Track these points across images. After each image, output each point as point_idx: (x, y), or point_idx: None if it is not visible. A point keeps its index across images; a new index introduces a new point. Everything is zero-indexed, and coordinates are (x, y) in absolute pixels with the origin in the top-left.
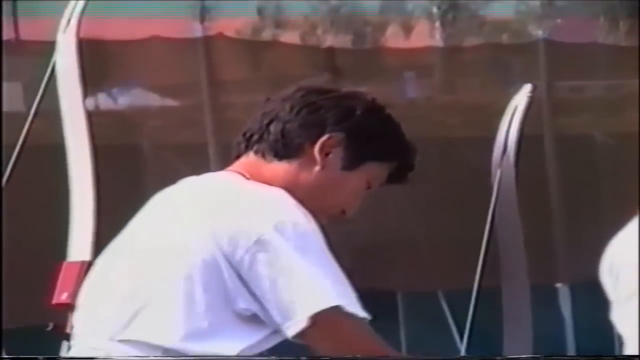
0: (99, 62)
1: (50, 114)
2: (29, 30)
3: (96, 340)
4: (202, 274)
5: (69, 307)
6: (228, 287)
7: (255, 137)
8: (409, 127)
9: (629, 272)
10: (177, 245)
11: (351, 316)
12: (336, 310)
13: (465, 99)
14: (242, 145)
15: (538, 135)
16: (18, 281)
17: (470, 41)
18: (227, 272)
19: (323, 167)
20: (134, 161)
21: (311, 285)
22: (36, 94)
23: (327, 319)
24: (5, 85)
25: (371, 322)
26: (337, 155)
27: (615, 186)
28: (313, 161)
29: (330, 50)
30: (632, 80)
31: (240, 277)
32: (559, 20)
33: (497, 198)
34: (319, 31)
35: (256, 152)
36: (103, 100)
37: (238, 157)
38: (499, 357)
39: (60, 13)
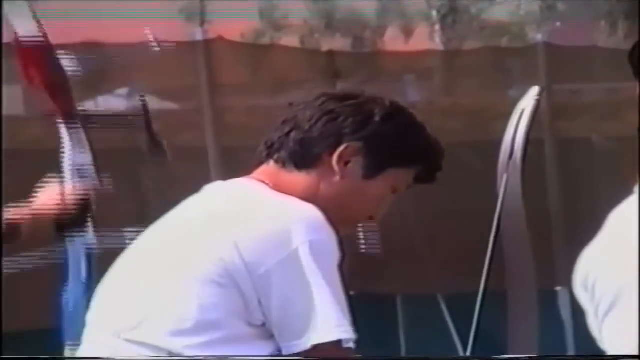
0: (99, 65)
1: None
2: None
3: (104, 337)
4: (220, 282)
5: (45, 90)
6: (246, 298)
7: (276, 145)
8: None
9: (606, 282)
10: (197, 251)
11: (346, 350)
12: (337, 343)
13: (465, 102)
14: (264, 154)
15: (537, 138)
16: (18, 281)
17: (470, 44)
18: (245, 283)
19: (343, 177)
20: (134, 165)
21: (323, 314)
22: (35, 98)
23: (326, 349)
24: (4, 88)
25: (371, 325)
26: (357, 164)
27: (614, 189)
28: (333, 171)
29: (331, 54)
30: (632, 83)
31: (256, 289)
32: (558, 24)
33: (503, 203)
34: (319, 35)
35: (277, 161)
36: (102, 104)
37: (260, 164)
38: (499, 357)
39: (61, 16)
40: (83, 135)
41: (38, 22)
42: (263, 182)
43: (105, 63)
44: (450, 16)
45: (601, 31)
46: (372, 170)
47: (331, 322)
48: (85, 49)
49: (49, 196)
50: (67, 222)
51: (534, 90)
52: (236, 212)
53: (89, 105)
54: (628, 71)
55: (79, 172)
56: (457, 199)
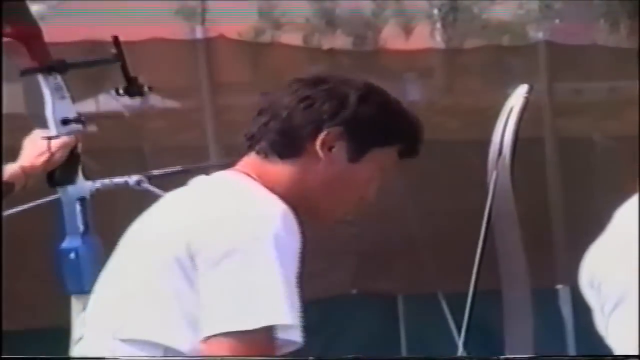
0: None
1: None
2: None
3: (101, 339)
4: (167, 272)
5: (17, 37)
6: (190, 285)
7: (257, 136)
8: None
9: (611, 282)
10: (166, 240)
11: (272, 343)
12: (267, 332)
13: (466, 100)
14: (245, 145)
15: (538, 137)
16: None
17: (471, 43)
18: (185, 271)
19: (329, 163)
20: (135, 163)
21: (265, 301)
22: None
23: (255, 337)
24: (5, 86)
25: (373, 324)
26: (341, 149)
27: (615, 188)
28: (318, 158)
29: (331, 52)
30: (632, 82)
31: (195, 279)
32: (559, 23)
33: (493, 199)
34: (320, 33)
35: (258, 153)
36: (104, 103)
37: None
38: (499, 357)
39: (61, 15)
40: (62, 84)
41: None
42: (248, 174)
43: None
44: (451, 14)
45: (602, 30)
46: (357, 152)
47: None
48: (85, 48)
49: (37, 150)
50: (58, 173)
51: (523, 88)
52: (197, 205)
53: (90, 104)
54: (629, 70)
55: (63, 122)
56: (458, 197)
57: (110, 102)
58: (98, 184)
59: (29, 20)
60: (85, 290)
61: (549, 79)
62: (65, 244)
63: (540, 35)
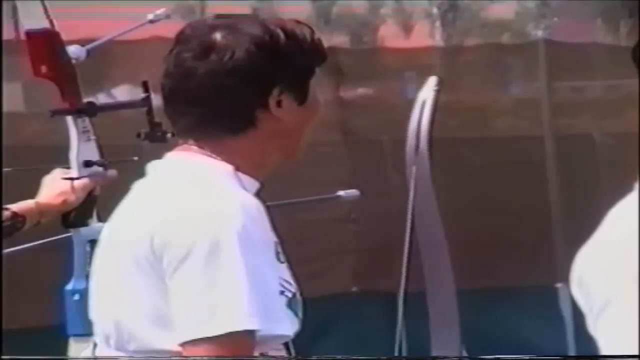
0: (100, 62)
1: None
2: None
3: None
4: (136, 273)
5: (51, 78)
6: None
7: (191, 123)
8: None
9: (599, 282)
10: (126, 242)
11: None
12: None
13: (466, 98)
14: (187, 134)
15: (538, 135)
16: (17, 281)
17: (471, 41)
18: (155, 271)
19: (285, 118)
20: (134, 161)
21: (231, 304)
22: (35, 95)
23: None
24: (5, 85)
25: (371, 323)
26: (288, 99)
27: (615, 186)
28: (274, 118)
29: (331, 50)
30: (632, 80)
31: (170, 274)
32: (558, 21)
33: (415, 195)
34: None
35: (199, 139)
36: (103, 100)
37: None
38: (498, 357)
39: (61, 14)
40: (89, 127)
41: (47, 14)
42: (210, 155)
43: (106, 60)
44: (451, 13)
45: (601, 28)
46: (301, 93)
47: (239, 313)
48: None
49: (56, 188)
50: (73, 214)
51: (432, 81)
52: (170, 199)
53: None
54: (629, 68)
55: (85, 164)
56: (456, 194)
57: (109, 101)
58: None
59: (64, 60)
60: (85, 333)
61: (549, 77)
62: (71, 285)
63: (539, 33)
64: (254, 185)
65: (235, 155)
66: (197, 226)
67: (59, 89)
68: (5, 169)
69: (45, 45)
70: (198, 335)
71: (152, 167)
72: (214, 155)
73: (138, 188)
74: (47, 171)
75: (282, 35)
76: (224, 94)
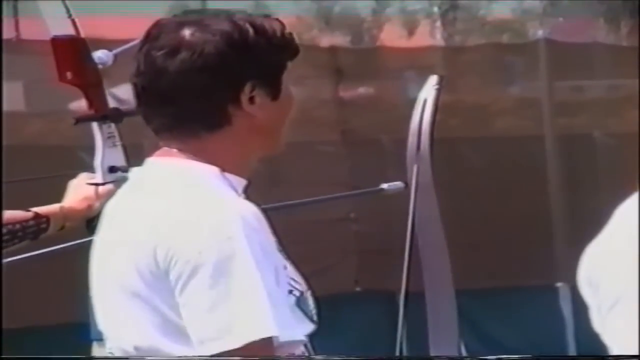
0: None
1: (51, 114)
2: (29, 30)
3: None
4: (142, 288)
5: (77, 85)
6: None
7: (165, 122)
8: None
9: (609, 280)
10: (127, 251)
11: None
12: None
13: (467, 98)
14: (166, 134)
15: (539, 134)
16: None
17: (471, 41)
18: (159, 284)
19: (259, 113)
20: (134, 160)
21: (246, 312)
22: (36, 94)
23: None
24: (5, 84)
25: (372, 322)
26: (260, 94)
27: (615, 186)
28: (248, 115)
29: (332, 50)
30: (633, 80)
31: (179, 287)
32: (559, 20)
33: (416, 195)
34: (319, 30)
35: (175, 138)
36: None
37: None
38: (499, 357)
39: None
40: (115, 132)
41: (73, 20)
42: (194, 158)
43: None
44: (451, 12)
45: (602, 28)
46: (274, 88)
47: (254, 322)
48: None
49: (80, 193)
50: (97, 220)
51: (433, 79)
52: (168, 209)
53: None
54: (630, 68)
55: (110, 170)
56: (459, 194)
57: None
58: None
59: (90, 67)
60: None
61: (549, 77)
62: None
63: (540, 33)
64: (241, 183)
65: (215, 155)
66: (201, 239)
67: (84, 95)
68: (28, 177)
69: (71, 52)
70: (223, 348)
71: (136, 173)
72: (197, 158)
73: (125, 194)
74: (73, 176)
75: (251, 30)
76: (195, 91)
